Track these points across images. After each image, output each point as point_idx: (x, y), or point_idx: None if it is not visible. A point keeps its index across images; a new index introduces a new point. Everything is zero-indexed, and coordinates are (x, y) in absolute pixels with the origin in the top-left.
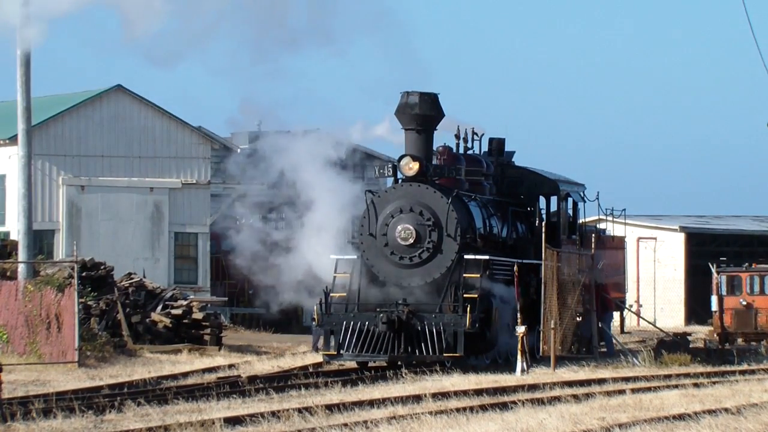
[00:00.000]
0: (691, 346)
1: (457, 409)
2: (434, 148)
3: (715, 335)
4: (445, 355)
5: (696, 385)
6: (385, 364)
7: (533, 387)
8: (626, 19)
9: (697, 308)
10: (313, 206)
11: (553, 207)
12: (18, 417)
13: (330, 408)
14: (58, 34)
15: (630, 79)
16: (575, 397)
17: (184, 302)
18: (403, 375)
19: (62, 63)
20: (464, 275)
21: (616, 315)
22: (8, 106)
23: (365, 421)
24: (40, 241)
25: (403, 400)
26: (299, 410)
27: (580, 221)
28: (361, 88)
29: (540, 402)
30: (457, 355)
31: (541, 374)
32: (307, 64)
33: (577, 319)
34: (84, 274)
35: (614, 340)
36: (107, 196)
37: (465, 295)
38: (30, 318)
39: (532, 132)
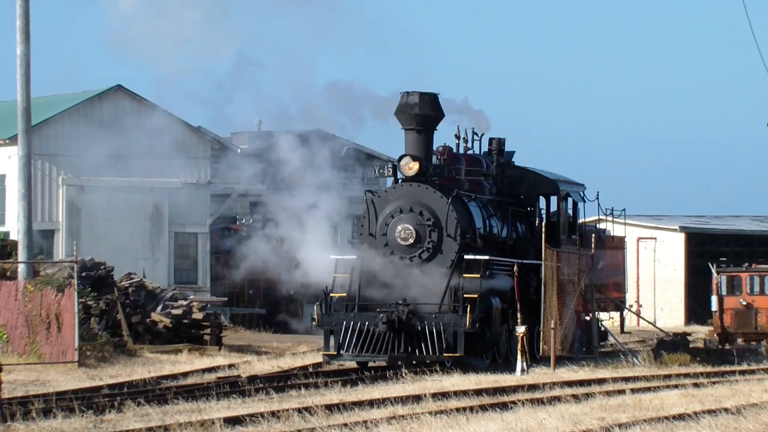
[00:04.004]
0: (691, 346)
1: (457, 409)
2: (434, 148)
3: (715, 335)
4: (445, 355)
5: (696, 385)
6: (385, 364)
7: (533, 387)
8: (627, 19)
9: (697, 308)
10: (311, 207)
11: (553, 207)
12: (18, 417)
13: (330, 408)
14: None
15: (630, 78)
16: (575, 397)
17: (184, 302)
18: (403, 375)
19: (62, 63)
20: (464, 275)
21: (616, 315)
22: (8, 106)
23: (365, 421)
24: (40, 241)
25: (403, 400)
26: (299, 410)
27: (580, 221)
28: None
29: (540, 402)
30: (457, 355)
31: (540, 374)
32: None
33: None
34: (84, 274)
35: (614, 340)
36: (107, 196)
37: (465, 295)
38: (30, 318)
39: (532, 132)
